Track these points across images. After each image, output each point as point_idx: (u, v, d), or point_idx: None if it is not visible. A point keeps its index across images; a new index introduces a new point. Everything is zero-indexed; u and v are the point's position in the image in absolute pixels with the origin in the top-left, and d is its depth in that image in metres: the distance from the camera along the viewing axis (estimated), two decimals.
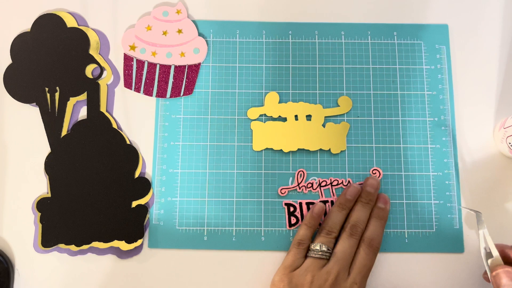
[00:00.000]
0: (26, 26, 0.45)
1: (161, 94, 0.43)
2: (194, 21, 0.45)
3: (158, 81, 0.44)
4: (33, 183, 0.42)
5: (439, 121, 0.43)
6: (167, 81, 0.44)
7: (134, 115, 0.44)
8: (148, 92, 0.44)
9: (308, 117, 0.43)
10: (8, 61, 0.44)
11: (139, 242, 0.41)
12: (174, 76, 0.44)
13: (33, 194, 0.42)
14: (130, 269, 0.41)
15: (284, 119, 0.43)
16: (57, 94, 0.43)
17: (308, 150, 0.42)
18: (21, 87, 0.43)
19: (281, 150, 0.42)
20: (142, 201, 0.42)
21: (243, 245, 0.41)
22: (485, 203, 0.42)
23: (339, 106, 0.43)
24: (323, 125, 0.43)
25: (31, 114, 0.43)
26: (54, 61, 0.44)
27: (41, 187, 0.42)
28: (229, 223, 0.41)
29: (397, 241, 0.41)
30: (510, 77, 0.45)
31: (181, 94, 0.44)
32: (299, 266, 0.38)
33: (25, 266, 0.41)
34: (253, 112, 0.43)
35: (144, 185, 0.42)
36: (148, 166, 0.43)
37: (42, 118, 0.43)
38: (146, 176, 0.42)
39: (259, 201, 0.42)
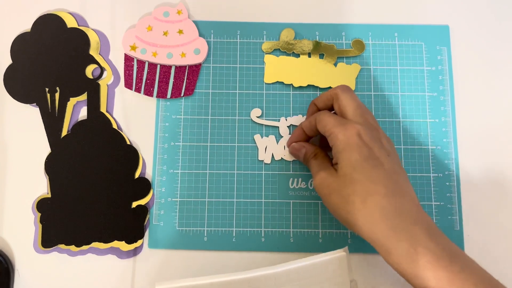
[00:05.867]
0: (26, 26, 0.44)
1: (161, 94, 0.43)
2: (195, 22, 0.45)
3: (159, 82, 0.44)
4: (33, 183, 0.42)
5: (439, 122, 0.43)
6: (168, 82, 0.44)
7: (135, 116, 0.44)
8: (148, 93, 0.44)
9: (321, 56, 0.44)
10: (8, 61, 0.44)
11: (139, 242, 0.41)
12: (174, 76, 0.44)
13: (33, 194, 0.42)
14: (130, 270, 0.41)
15: (297, 55, 0.44)
16: (57, 95, 0.43)
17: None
18: (21, 87, 0.43)
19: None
20: (142, 202, 0.42)
21: (243, 246, 0.41)
22: (486, 204, 0.42)
23: (352, 48, 0.44)
24: (335, 65, 0.44)
25: (31, 114, 0.43)
26: (54, 61, 0.44)
27: (41, 187, 0.42)
28: (229, 224, 0.41)
29: None
30: (511, 78, 0.45)
31: (182, 95, 0.44)
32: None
33: (25, 266, 0.41)
34: (268, 46, 0.44)
35: (144, 186, 0.42)
36: (148, 166, 0.43)
37: (42, 118, 0.43)
38: (146, 177, 0.42)
39: (260, 202, 0.42)
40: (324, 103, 0.39)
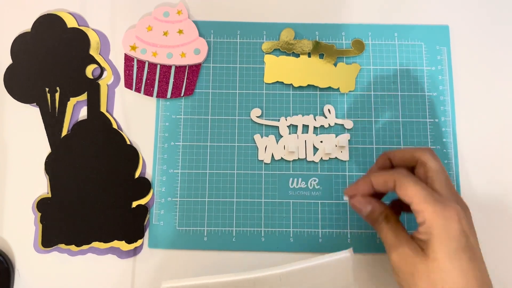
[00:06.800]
0: (27, 26, 0.45)
1: (161, 94, 0.43)
2: (195, 22, 0.45)
3: (159, 82, 0.44)
4: (33, 183, 0.42)
5: (439, 122, 0.43)
6: (168, 82, 0.44)
7: (135, 116, 0.44)
8: (148, 93, 0.44)
9: (321, 56, 0.44)
10: (8, 61, 0.44)
11: (139, 242, 0.41)
12: (174, 76, 0.44)
13: (33, 194, 0.42)
14: (130, 270, 0.41)
15: (297, 55, 0.44)
16: (57, 94, 0.43)
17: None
18: (22, 87, 0.43)
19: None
20: (142, 201, 0.42)
21: (243, 246, 0.41)
22: (486, 205, 0.42)
23: (352, 48, 0.44)
24: (335, 65, 0.44)
25: (32, 114, 0.43)
26: (54, 61, 0.44)
27: (41, 187, 0.42)
28: (229, 224, 0.41)
29: None
30: (511, 78, 0.45)
31: (182, 95, 0.44)
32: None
33: (26, 266, 0.41)
34: (268, 46, 0.44)
35: (144, 186, 0.42)
36: (148, 166, 0.43)
37: (42, 118, 0.43)
38: (146, 177, 0.42)
39: (259, 202, 0.42)
40: (404, 162, 0.35)
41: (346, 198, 0.37)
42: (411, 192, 0.31)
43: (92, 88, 0.44)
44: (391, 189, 0.33)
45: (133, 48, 0.44)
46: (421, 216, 0.31)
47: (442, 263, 0.30)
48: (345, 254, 0.35)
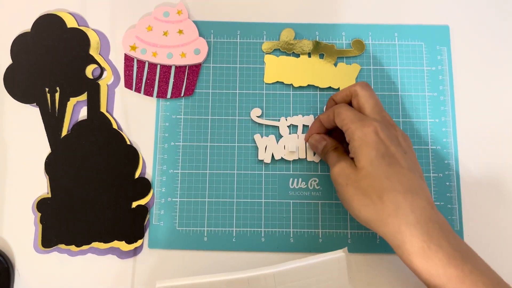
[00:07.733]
0: (27, 26, 0.44)
1: (161, 94, 0.43)
2: (195, 22, 0.45)
3: (159, 82, 0.44)
4: (33, 183, 0.42)
5: (439, 122, 0.43)
6: (168, 82, 0.44)
7: (135, 116, 0.44)
8: (148, 93, 0.44)
9: (321, 56, 0.44)
10: (8, 61, 0.44)
11: (139, 242, 0.41)
12: (174, 76, 0.44)
13: (33, 194, 0.42)
14: (130, 270, 0.41)
15: (297, 55, 0.44)
16: (57, 95, 0.43)
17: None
18: (21, 87, 0.43)
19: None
20: (142, 202, 0.42)
21: (243, 246, 0.41)
22: (486, 204, 0.42)
23: (352, 48, 0.44)
24: (335, 65, 0.44)
25: (31, 114, 0.43)
26: (54, 61, 0.44)
27: (41, 187, 0.42)
28: (229, 224, 0.41)
29: None
30: (511, 78, 0.45)
31: (182, 95, 0.44)
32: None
33: (25, 266, 0.41)
34: (268, 46, 0.44)
35: (144, 186, 0.42)
36: (148, 166, 0.43)
37: (42, 118, 0.43)
38: (146, 177, 0.42)
39: (259, 202, 0.42)
40: (343, 99, 0.39)
41: (307, 143, 0.42)
42: (342, 116, 0.36)
43: (92, 88, 0.43)
44: (333, 121, 0.38)
45: (133, 48, 0.44)
46: (348, 135, 0.35)
47: (366, 169, 0.34)
48: (339, 254, 0.35)
